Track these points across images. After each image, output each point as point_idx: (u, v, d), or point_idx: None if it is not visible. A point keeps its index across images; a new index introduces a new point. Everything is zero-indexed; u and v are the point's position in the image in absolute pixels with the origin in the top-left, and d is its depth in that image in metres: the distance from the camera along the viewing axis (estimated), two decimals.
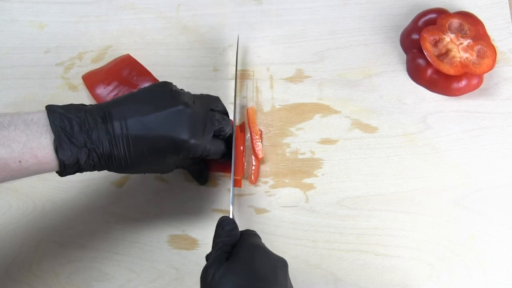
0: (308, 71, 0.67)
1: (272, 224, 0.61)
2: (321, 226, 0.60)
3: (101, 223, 0.62)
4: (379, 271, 0.58)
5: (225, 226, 0.50)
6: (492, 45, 0.65)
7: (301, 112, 0.66)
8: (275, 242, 0.59)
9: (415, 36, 0.66)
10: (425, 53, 0.63)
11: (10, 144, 0.45)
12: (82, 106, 0.50)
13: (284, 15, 0.71)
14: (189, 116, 0.51)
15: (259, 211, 0.61)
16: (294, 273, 0.51)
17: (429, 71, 0.64)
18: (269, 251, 0.49)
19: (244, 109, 0.66)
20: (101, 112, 0.49)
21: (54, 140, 0.47)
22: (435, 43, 0.65)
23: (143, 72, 0.67)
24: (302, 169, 0.63)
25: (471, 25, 0.65)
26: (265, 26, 0.70)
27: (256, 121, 0.64)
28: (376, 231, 0.60)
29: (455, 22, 0.66)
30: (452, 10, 0.67)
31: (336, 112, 0.65)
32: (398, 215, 0.60)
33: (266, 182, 0.62)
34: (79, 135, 0.48)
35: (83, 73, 0.68)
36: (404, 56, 0.68)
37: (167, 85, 0.53)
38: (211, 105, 0.56)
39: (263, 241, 0.51)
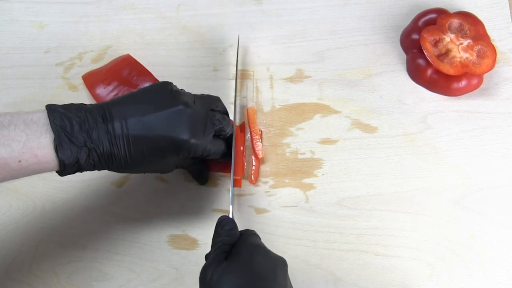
0: (308, 71, 0.67)
1: (272, 224, 0.61)
2: (321, 226, 0.60)
3: (101, 223, 0.62)
4: (379, 271, 0.58)
5: (225, 225, 0.50)
6: (492, 45, 0.65)
7: (301, 112, 0.66)
8: (275, 242, 0.59)
9: (415, 36, 0.66)
10: (425, 53, 0.63)
11: (10, 143, 0.45)
12: (82, 105, 0.50)
13: (284, 15, 0.71)
14: (189, 116, 0.51)
15: (259, 211, 0.61)
16: (294, 273, 0.51)
17: (429, 71, 0.64)
18: (269, 250, 0.49)
19: (244, 109, 0.66)
20: (101, 112, 0.49)
21: (54, 139, 0.47)
22: (435, 43, 0.65)
23: (143, 72, 0.67)
24: (302, 169, 0.63)
25: (471, 25, 0.65)
26: (265, 26, 0.70)
27: (256, 121, 0.64)
28: (376, 231, 0.60)
29: (455, 22, 0.66)
30: (452, 10, 0.67)
31: (336, 112, 0.65)
32: (398, 215, 0.60)
33: (266, 182, 0.62)
34: (79, 135, 0.48)
35: (83, 73, 0.68)
36: (404, 56, 0.68)
37: (167, 85, 0.53)
38: (211, 105, 0.56)
39: (263, 241, 0.51)
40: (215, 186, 0.63)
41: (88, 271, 0.60)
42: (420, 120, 0.64)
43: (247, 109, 0.65)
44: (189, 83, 0.67)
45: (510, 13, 0.69)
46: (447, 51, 0.64)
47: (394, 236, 0.59)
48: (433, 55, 0.64)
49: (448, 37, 0.65)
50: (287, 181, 0.62)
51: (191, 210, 0.62)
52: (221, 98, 0.58)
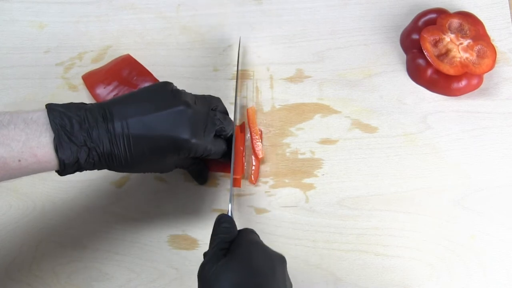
0: (308, 71, 0.67)
1: (272, 224, 0.61)
2: (321, 226, 0.60)
3: (101, 223, 0.62)
4: (379, 271, 0.58)
5: (223, 223, 0.50)
6: (492, 45, 0.65)
7: (301, 112, 0.66)
8: (275, 242, 0.59)
9: (415, 36, 0.66)
10: (425, 53, 0.63)
11: (10, 143, 0.45)
12: (82, 104, 0.50)
13: (284, 15, 0.71)
14: (190, 116, 0.51)
15: (259, 211, 0.61)
16: (294, 273, 0.51)
17: (429, 71, 0.64)
18: (267, 247, 0.49)
19: (244, 109, 0.66)
20: (102, 111, 0.49)
21: (54, 138, 0.47)
22: (435, 43, 0.64)
23: (143, 72, 0.67)
24: (302, 169, 0.63)
25: (471, 25, 0.65)
26: (265, 26, 0.70)
27: (256, 121, 0.64)
28: (376, 231, 0.60)
29: (455, 22, 0.66)
30: (452, 10, 0.67)
31: (336, 112, 0.65)
32: (398, 215, 0.60)
33: (266, 182, 0.62)
34: (79, 134, 0.48)
35: (83, 73, 0.68)
36: (404, 56, 0.68)
37: (167, 85, 0.53)
38: (212, 105, 0.56)
39: (263, 241, 0.51)
40: (215, 186, 0.63)
41: (88, 271, 0.60)
42: (420, 120, 0.64)
43: (247, 109, 0.65)
44: (189, 83, 0.67)
45: (510, 13, 0.69)
46: (447, 51, 0.64)
47: (394, 236, 0.59)
48: (433, 55, 0.64)
49: (448, 37, 0.65)
50: (287, 181, 0.62)
51: (191, 210, 0.62)
52: (221, 98, 0.58)
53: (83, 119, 0.48)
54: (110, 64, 0.68)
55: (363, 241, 0.59)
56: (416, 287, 0.58)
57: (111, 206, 0.62)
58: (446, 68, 0.63)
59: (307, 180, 0.62)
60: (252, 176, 0.62)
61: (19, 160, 0.46)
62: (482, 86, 0.65)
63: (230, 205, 0.55)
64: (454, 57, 0.64)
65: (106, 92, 0.66)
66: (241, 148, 0.62)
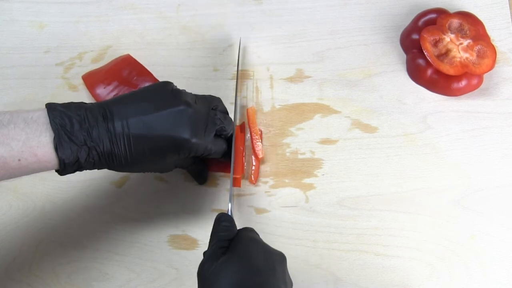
0: (308, 71, 0.67)
1: (272, 224, 0.61)
2: (321, 226, 0.60)
3: (101, 223, 0.62)
4: (379, 271, 0.58)
5: (223, 222, 0.50)
6: (492, 45, 0.65)
7: (301, 112, 0.66)
8: (275, 242, 0.59)
9: (415, 36, 0.66)
10: (425, 53, 0.63)
11: (10, 142, 0.45)
12: (82, 104, 0.50)
13: (284, 15, 0.71)
14: (190, 116, 0.51)
15: (259, 211, 0.61)
16: (294, 273, 0.51)
17: (429, 71, 0.64)
18: (267, 245, 0.49)
19: (244, 109, 0.66)
20: (102, 110, 0.49)
21: (54, 138, 0.47)
22: (435, 43, 0.64)
23: (143, 72, 0.67)
24: (302, 169, 0.63)
25: (471, 25, 0.65)
26: (265, 26, 0.70)
27: (256, 121, 0.64)
28: (376, 231, 0.60)
29: (455, 22, 0.66)
30: (452, 10, 0.67)
31: (336, 112, 0.65)
32: (398, 215, 0.60)
33: (266, 182, 0.62)
34: (79, 133, 0.48)
35: (83, 73, 0.68)
36: (404, 56, 0.68)
37: (168, 85, 0.53)
38: (212, 105, 0.56)
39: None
40: (215, 186, 0.63)
41: (88, 271, 0.60)
42: (420, 120, 0.64)
43: (247, 109, 0.65)
44: (189, 83, 0.67)
45: (510, 13, 0.69)
46: (447, 51, 0.64)
47: (394, 236, 0.59)
48: (433, 55, 0.64)
49: (448, 37, 0.65)
50: (287, 181, 0.62)
51: (191, 210, 0.62)
52: (221, 98, 0.58)
53: (83, 119, 0.48)
54: (110, 64, 0.68)
55: (363, 241, 0.59)
56: (416, 287, 0.58)
57: (111, 206, 0.62)
58: (446, 68, 0.63)
59: (307, 180, 0.62)
60: (252, 176, 0.62)
61: (19, 160, 0.46)
62: (482, 86, 0.65)
63: (230, 204, 0.55)
64: (454, 57, 0.64)
65: (106, 92, 0.66)
66: (241, 148, 0.62)
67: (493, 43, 0.66)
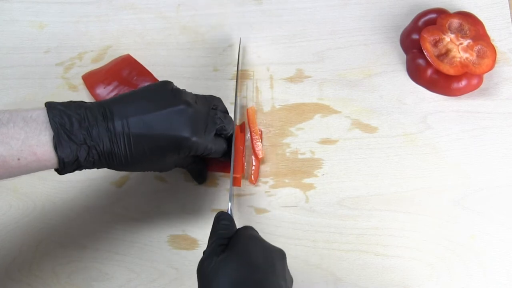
0: (308, 71, 0.67)
1: (272, 224, 0.61)
2: (321, 226, 0.60)
3: (101, 223, 0.62)
4: (379, 271, 0.58)
5: (222, 220, 0.50)
6: (492, 45, 0.65)
7: (301, 112, 0.65)
8: (275, 242, 0.58)
9: (415, 36, 0.66)
10: (425, 53, 0.63)
11: (9, 141, 0.45)
12: (82, 103, 0.50)
13: (284, 15, 0.71)
14: (190, 115, 0.51)
15: (259, 211, 0.61)
16: (294, 273, 0.51)
17: (429, 71, 0.64)
18: (266, 242, 0.49)
19: (244, 109, 0.66)
20: (102, 110, 0.49)
21: (53, 137, 0.46)
22: (435, 43, 0.64)
23: (143, 72, 0.67)
24: (302, 169, 0.63)
25: (471, 25, 0.65)
26: (265, 26, 0.70)
27: (256, 121, 0.64)
28: (376, 231, 0.60)
29: (455, 22, 0.66)
30: (452, 10, 0.67)
31: (336, 112, 0.65)
32: (398, 215, 0.60)
33: (266, 182, 0.62)
34: (79, 132, 0.47)
35: (83, 73, 0.68)
36: (404, 56, 0.68)
37: (168, 84, 0.53)
38: (212, 105, 0.56)
39: None
40: (215, 186, 0.63)
41: (88, 271, 0.60)
42: (420, 120, 0.64)
43: (247, 109, 0.65)
44: (189, 83, 0.67)
45: (510, 13, 0.69)
46: (447, 51, 0.64)
47: (394, 236, 0.59)
48: (433, 55, 0.64)
49: (448, 37, 0.65)
50: (287, 181, 0.62)
51: (191, 210, 0.62)
52: (221, 98, 0.58)
53: (83, 118, 0.48)
54: (110, 64, 0.68)
55: (363, 241, 0.59)
56: (416, 287, 0.58)
57: (111, 206, 0.62)
58: (446, 68, 0.63)
59: (307, 180, 0.62)
60: (252, 176, 0.62)
61: (19, 159, 0.46)
62: (482, 86, 0.65)
63: (229, 204, 0.55)
64: (454, 57, 0.64)
65: (106, 92, 0.66)
66: (241, 148, 0.62)
67: (493, 43, 0.66)
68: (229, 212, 0.55)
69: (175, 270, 0.60)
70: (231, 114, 0.61)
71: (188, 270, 0.59)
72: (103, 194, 0.63)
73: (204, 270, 0.46)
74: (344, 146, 0.64)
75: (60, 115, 0.47)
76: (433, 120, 0.64)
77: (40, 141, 0.46)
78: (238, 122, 0.65)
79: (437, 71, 0.64)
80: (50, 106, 0.48)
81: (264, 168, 0.63)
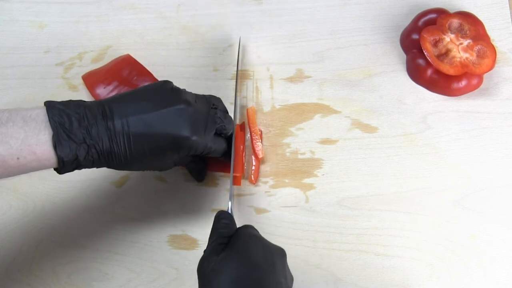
0: (308, 71, 0.67)
1: (272, 224, 0.61)
2: (321, 226, 0.60)
3: (101, 223, 0.62)
4: (379, 271, 0.58)
5: (222, 219, 0.50)
6: (492, 45, 0.65)
7: (301, 112, 0.65)
8: (275, 242, 0.59)
9: (415, 36, 0.66)
10: (425, 53, 0.63)
11: (8, 140, 0.45)
12: (81, 102, 0.50)
13: (284, 15, 0.71)
14: (190, 114, 0.51)
15: (259, 211, 0.61)
16: (294, 273, 0.51)
17: (429, 71, 0.64)
18: (266, 241, 0.49)
19: (244, 109, 0.66)
20: (101, 109, 0.49)
21: (53, 136, 0.46)
22: (435, 43, 0.64)
23: (143, 72, 0.67)
24: (302, 169, 0.63)
25: (471, 25, 0.65)
26: (265, 26, 0.70)
27: (256, 121, 0.64)
28: (376, 231, 0.60)
29: (455, 22, 0.66)
30: (452, 10, 0.67)
31: (336, 112, 0.65)
32: (398, 215, 0.60)
33: (266, 182, 0.62)
34: (78, 131, 0.47)
35: (83, 73, 0.68)
36: (404, 56, 0.68)
37: (167, 84, 0.53)
38: (212, 105, 0.56)
39: None
40: (215, 186, 0.63)
41: (88, 271, 0.60)
42: (420, 120, 0.64)
43: (247, 109, 0.65)
44: (189, 83, 0.67)
45: (510, 13, 0.69)
46: (447, 51, 0.64)
47: (394, 236, 0.59)
48: (433, 55, 0.64)
49: (448, 37, 0.65)
50: (287, 181, 0.62)
51: (191, 210, 0.62)
52: (221, 98, 0.58)
53: (82, 117, 0.48)
54: (110, 64, 0.68)
55: (363, 241, 0.59)
56: (416, 287, 0.58)
57: (111, 206, 0.62)
58: (446, 68, 0.63)
59: (307, 180, 0.62)
60: (252, 176, 0.62)
61: (18, 158, 0.46)
62: (482, 86, 0.65)
63: (230, 203, 0.55)
64: (454, 57, 0.64)
65: (106, 92, 0.66)
66: (241, 147, 0.62)
67: (493, 43, 0.66)
68: (229, 211, 0.55)
69: (175, 270, 0.60)
70: (231, 114, 0.61)
71: (188, 270, 0.59)
72: (103, 194, 0.63)
73: (204, 269, 0.46)
74: (344, 146, 0.64)
75: (60, 114, 0.47)
76: (433, 120, 0.64)
77: (39, 140, 0.46)
78: (238, 122, 0.65)
79: (437, 71, 0.64)
80: (50, 105, 0.48)
81: (264, 168, 0.63)
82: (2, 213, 0.63)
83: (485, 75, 0.65)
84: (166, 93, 0.52)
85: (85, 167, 0.50)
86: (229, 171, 0.59)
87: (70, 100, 0.50)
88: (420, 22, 0.66)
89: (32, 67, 0.69)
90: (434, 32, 0.64)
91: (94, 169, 0.51)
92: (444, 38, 0.64)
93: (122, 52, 0.69)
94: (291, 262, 0.50)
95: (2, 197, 0.63)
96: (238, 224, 0.52)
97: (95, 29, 0.71)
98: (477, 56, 0.64)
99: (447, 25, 0.65)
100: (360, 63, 0.67)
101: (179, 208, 0.62)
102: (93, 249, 0.61)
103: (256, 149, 0.63)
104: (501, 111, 0.64)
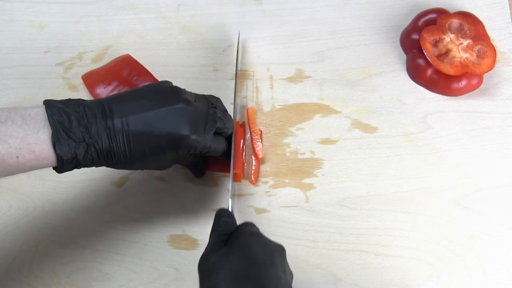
0: (308, 71, 0.67)
1: (272, 224, 0.61)
2: (321, 226, 0.60)
3: (101, 223, 0.62)
4: (379, 271, 0.58)
5: (222, 217, 0.50)
6: (492, 45, 0.65)
7: (301, 112, 0.65)
8: None
9: (415, 36, 0.66)
10: (425, 53, 0.63)
11: (7, 139, 0.45)
12: (80, 101, 0.50)
13: (284, 15, 0.71)
14: (190, 113, 0.51)
15: (259, 211, 0.61)
16: (294, 273, 0.51)
17: (429, 71, 0.64)
18: (266, 238, 0.49)
19: (244, 109, 0.66)
20: (101, 107, 0.49)
21: (52, 135, 0.46)
22: (435, 43, 0.65)
23: (143, 72, 0.67)
24: (302, 169, 0.63)
25: (471, 25, 0.65)
26: (265, 26, 0.70)
27: (256, 121, 0.64)
28: (376, 231, 0.60)
29: (455, 22, 0.66)
30: (452, 10, 0.67)
31: (336, 112, 0.65)
32: (398, 215, 0.60)
33: (266, 182, 0.62)
34: (77, 130, 0.47)
35: (83, 73, 0.68)
36: (404, 56, 0.68)
37: (167, 83, 0.53)
38: (211, 104, 0.56)
39: None
40: (215, 186, 0.63)
41: (88, 271, 0.60)
42: (420, 120, 0.64)
43: (247, 109, 0.65)
44: (189, 83, 0.66)
45: (510, 13, 0.69)
46: (447, 51, 0.64)
47: (394, 236, 0.59)
48: (433, 55, 0.64)
49: (448, 37, 0.65)
50: (287, 181, 0.62)
51: (191, 210, 0.62)
52: (221, 98, 0.58)
53: (82, 115, 0.48)
54: (110, 64, 0.68)
55: (363, 241, 0.59)
56: (416, 287, 0.58)
57: (111, 206, 0.62)
58: (446, 68, 0.63)
59: (307, 180, 0.62)
60: (252, 176, 0.62)
61: (17, 157, 0.46)
62: (482, 86, 0.65)
63: (230, 201, 0.55)
64: (454, 57, 0.64)
65: (106, 92, 0.66)
66: (241, 140, 0.62)
67: (493, 43, 0.66)
68: (230, 209, 0.55)
69: (175, 270, 0.60)
70: (231, 114, 0.61)
71: (188, 270, 0.59)
72: (103, 194, 0.63)
73: (205, 265, 0.46)
74: (344, 146, 0.64)
75: (59, 112, 0.47)
76: (433, 120, 0.64)
77: (38, 139, 0.46)
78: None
79: (437, 71, 0.64)
80: (49, 104, 0.48)
81: (264, 168, 0.63)
82: (2, 213, 0.63)
83: (485, 75, 0.65)
84: (166, 92, 0.52)
85: (84, 166, 0.50)
86: (229, 171, 0.59)
87: (70, 99, 0.50)
88: (420, 22, 0.66)
89: (32, 67, 0.70)
90: (434, 32, 0.64)
91: (94, 169, 0.51)
92: (444, 38, 0.65)
93: (122, 52, 0.69)
94: (291, 262, 0.50)
95: (2, 197, 0.63)
96: (238, 223, 0.52)
97: (95, 29, 0.71)
98: (477, 56, 0.64)
99: (447, 25, 0.65)
100: (360, 63, 0.67)
101: (179, 208, 0.62)
102: (93, 249, 0.61)
103: (256, 149, 0.63)
104: (501, 111, 0.64)
